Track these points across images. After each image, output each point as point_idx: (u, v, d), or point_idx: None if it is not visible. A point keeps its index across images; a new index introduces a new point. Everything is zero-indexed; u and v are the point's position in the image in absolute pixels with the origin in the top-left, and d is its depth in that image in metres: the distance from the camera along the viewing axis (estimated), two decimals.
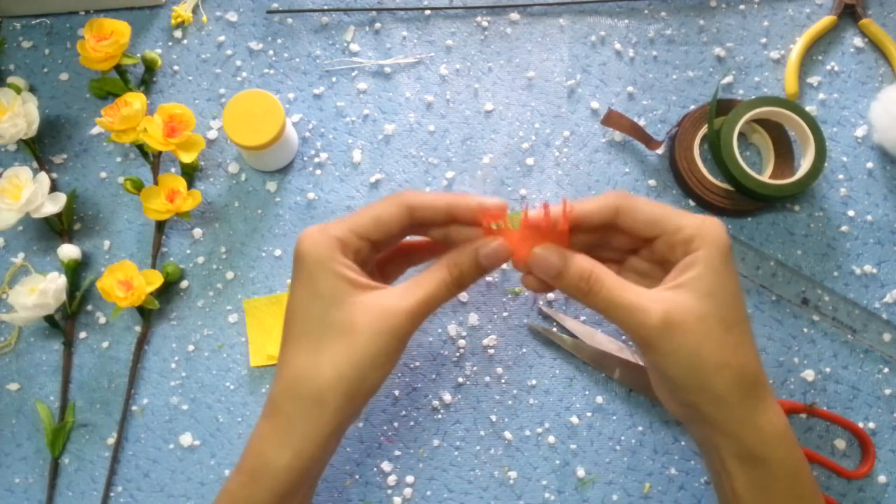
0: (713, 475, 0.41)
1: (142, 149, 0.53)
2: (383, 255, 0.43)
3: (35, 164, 0.54)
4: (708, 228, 0.37)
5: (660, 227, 0.38)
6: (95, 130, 0.55)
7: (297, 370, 0.37)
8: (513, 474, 0.50)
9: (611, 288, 0.37)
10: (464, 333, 0.52)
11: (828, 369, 0.51)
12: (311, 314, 0.38)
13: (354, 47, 0.56)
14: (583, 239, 0.41)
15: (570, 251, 0.38)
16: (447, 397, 0.51)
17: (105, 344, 0.52)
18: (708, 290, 0.36)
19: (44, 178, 0.51)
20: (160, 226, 0.53)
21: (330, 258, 0.37)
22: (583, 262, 0.37)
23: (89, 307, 0.53)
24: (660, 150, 0.54)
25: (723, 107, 0.53)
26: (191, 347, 0.52)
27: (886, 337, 0.51)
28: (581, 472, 0.49)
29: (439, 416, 0.51)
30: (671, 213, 0.38)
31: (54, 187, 0.54)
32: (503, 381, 0.51)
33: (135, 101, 0.50)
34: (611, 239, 0.41)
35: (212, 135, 0.55)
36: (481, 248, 0.38)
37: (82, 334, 0.52)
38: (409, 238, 0.44)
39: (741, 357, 0.36)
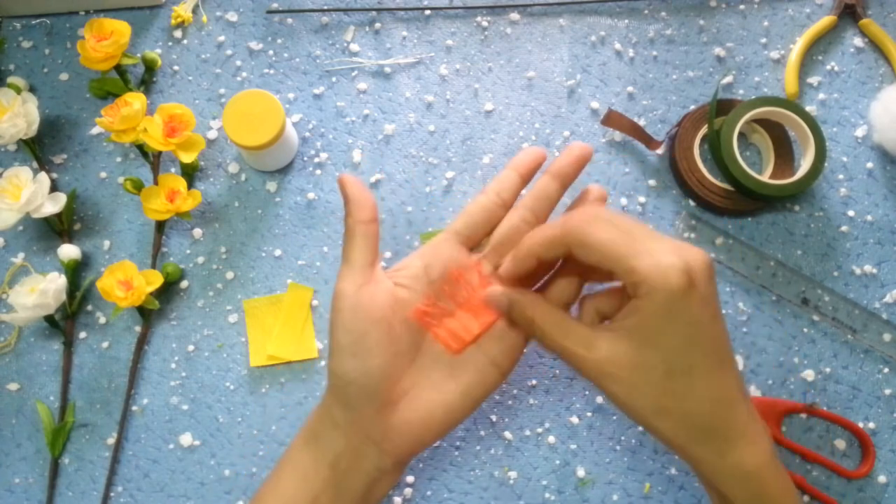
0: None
1: (142, 149, 0.53)
2: None
3: (35, 164, 0.54)
4: (659, 275, 0.34)
5: (612, 266, 0.36)
6: (95, 130, 0.55)
7: None
8: (513, 474, 0.50)
9: (549, 334, 0.38)
10: None
11: (828, 369, 0.51)
12: None
13: (354, 47, 0.56)
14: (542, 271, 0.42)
15: (520, 292, 0.40)
16: None
17: (105, 344, 0.52)
18: (647, 338, 0.35)
19: (44, 178, 0.51)
20: (160, 226, 0.53)
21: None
22: (525, 309, 0.39)
23: (89, 307, 0.53)
24: (660, 150, 0.54)
25: (723, 107, 0.53)
26: (191, 347, 0.52)
27: (886, 337, 0.51)
28: (581, 472, 0.49)
29: None
30: (627, 251, 0.35)
31: (54, 187, 0.54)
32: (509, 375, 0.51)
33: (135, 101, 0.50)
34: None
35: (212, 135, 0.55)
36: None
37: (82, 334, 0.52)
38: None
39: (689, 404, 0.35)
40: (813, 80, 0.55)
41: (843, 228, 0.53)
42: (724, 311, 0.51)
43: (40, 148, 0.55)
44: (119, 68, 0.53)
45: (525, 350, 0.42)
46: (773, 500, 0.36)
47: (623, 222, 0.36)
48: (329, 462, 0.40)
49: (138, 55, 0.55)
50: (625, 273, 0.35)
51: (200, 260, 0.53)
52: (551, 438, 0.50)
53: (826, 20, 0.56)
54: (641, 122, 0.55)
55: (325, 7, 0.57)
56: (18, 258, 0.53)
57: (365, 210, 0.41)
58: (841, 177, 0.54)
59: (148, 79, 0.56)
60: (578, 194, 0.43)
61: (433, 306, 0.42)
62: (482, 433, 0.50)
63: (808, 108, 0.55)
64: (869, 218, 0.53)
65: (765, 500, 0.36)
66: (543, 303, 0.39)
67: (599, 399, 0.51)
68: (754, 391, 0.51)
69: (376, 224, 0.41)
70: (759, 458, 0.36)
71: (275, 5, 0.57)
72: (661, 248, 0.35)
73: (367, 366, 0.39)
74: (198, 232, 0.53)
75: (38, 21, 0.57)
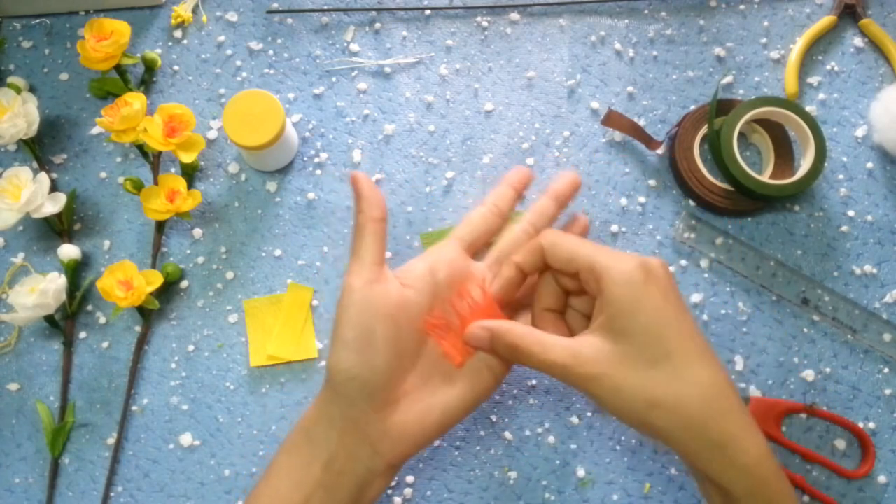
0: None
1: (142, 149, 0.53)
2: None
3: (35, 164, 0.54)
4: (617, 267, 0.37)
5: (575, 265, 0.39)
6: (95, 130, 0.55)
7: None
8: (513, 474, 0.50)
9: (532, 353, 0.38)
10: None
11: (828, 369, 0.51)
12: None
13: (354, 47, 0.56)
14: (524, 290, 0.44)
15: (497, 322, 0.40)
16: None
17: (105, 344, 0.52)
18: (619, 328, 0.37)
19: (44, 178, 0.51)
20: (160, 226, 0.53)
21: None
22: (505, 336, 0.39)
23: (89, 307, 0.53)
24: (660, 150, 0.54)
25: (723, 107, 0.53)
26: (191, 347, 0.52)
27: (886, 337, 0.51)
28: (581, 472, 0.49)
29: None
30: (589, 252, 0.39)
31: (54, 187, 0.54)
32: (503, 381, 0.51)
33: (135, 101, 0.50)
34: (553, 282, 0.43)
35: (212, 135, 0.55)
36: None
37: (82, 334, 0.52)
38: None
39: (677, 389, 0.36)
40: (813, 80, 0.55)
41: (843, 228, 0.53)
42: (724, 311, 0.52)
43: (40, 148, 0.55)
44: (119, 68, 0.53)
45: None
46: (773, 492, 0.36)
47: (589, 242, 0.40)
48: (322, 463, 0.40)
49: (138, 55, 0.55)
50: (588, 270, 0.38)
51: (200, 260, 0.53)
52: (551, 438, 0.50)
53: (826, 20, 0.56)
54: (641, 122, 0.55)
55: (325, 7, 0.57)
56: (18, 258, 0.53)
57: (377, 208, 0.42)
58: (841, 177, 0.54)
59: (148, 79, 0.56)
60: (569, 219, 0.49)
61: (440, 319, 0.43)
62: (482, 433, 0.50)
63: (808, 108, 0.55)
64: (869, 218, 0.53)
65: (766, 492, 0.36)
66: (521, 326, 0.40)
67: None
68: (754, 391, 0.51)
69: (385, 223, 0.43)
70: (760, 449, 0.36)
71: (275, 5, 0.57)
72: (620, 253, 0.39)
73: (373, 363, 0.39)
74: (198, 232, 0.53)
75: (38, 21, 0.57)
